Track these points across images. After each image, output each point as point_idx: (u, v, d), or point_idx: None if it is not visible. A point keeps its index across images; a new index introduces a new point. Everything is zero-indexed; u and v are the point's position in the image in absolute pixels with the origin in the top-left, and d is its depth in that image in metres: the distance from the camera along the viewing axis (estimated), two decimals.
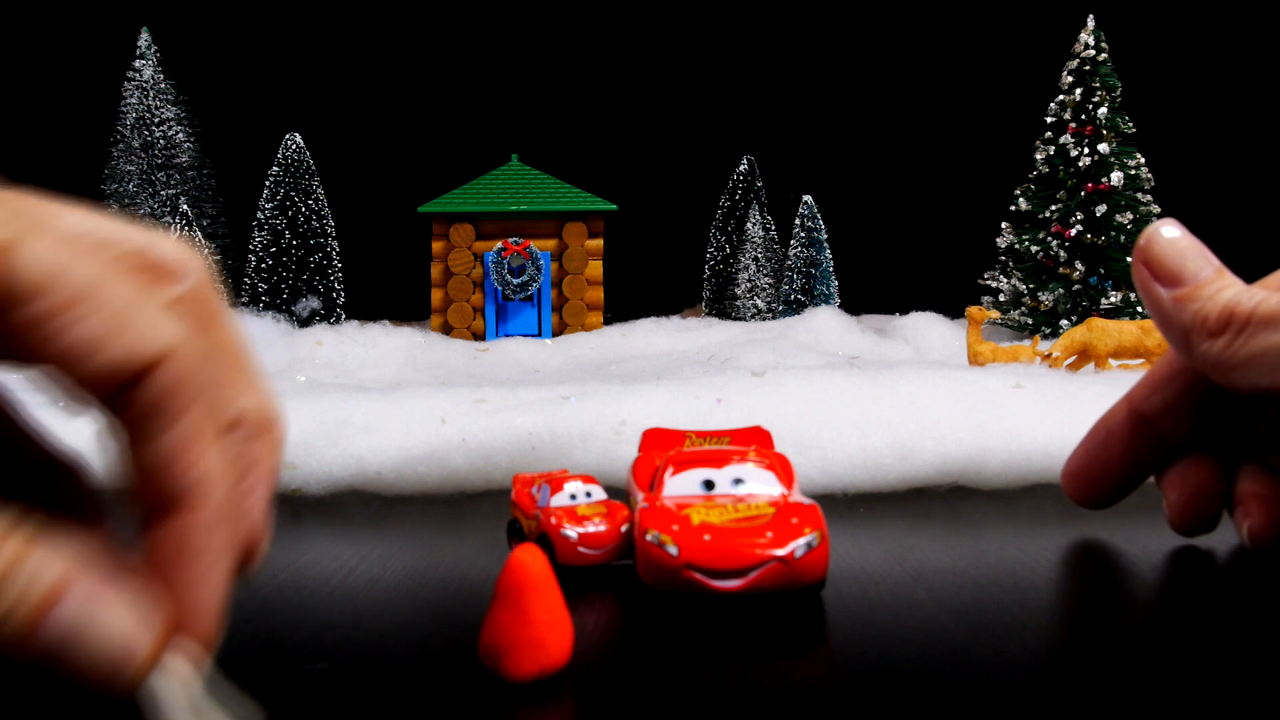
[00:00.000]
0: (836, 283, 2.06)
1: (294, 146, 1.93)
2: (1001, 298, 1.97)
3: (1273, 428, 0.47)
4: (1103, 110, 1.89)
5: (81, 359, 0.25)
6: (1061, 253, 1.87)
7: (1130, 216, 1.85)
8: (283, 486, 0.68)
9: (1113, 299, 1.83)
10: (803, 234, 2.05)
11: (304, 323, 1.84)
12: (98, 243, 0.27)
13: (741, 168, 2.22)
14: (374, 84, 2.30)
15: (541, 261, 1.99)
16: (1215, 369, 0.41)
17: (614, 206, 2.04)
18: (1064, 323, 1.83)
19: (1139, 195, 1.89)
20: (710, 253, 2.23)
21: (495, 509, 0.62)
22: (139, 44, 2.08)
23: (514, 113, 2.34)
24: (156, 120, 2.08)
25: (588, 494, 0.49)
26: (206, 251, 1.83)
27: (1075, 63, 1.93)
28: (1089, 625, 0.40)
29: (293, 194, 1.91)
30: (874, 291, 2.11)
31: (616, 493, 0.52)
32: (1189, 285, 0.42)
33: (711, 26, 2.36)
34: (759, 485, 0.45)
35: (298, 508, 0.66)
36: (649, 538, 0.42)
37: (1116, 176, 1.86)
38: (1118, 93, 1.92)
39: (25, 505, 0.25)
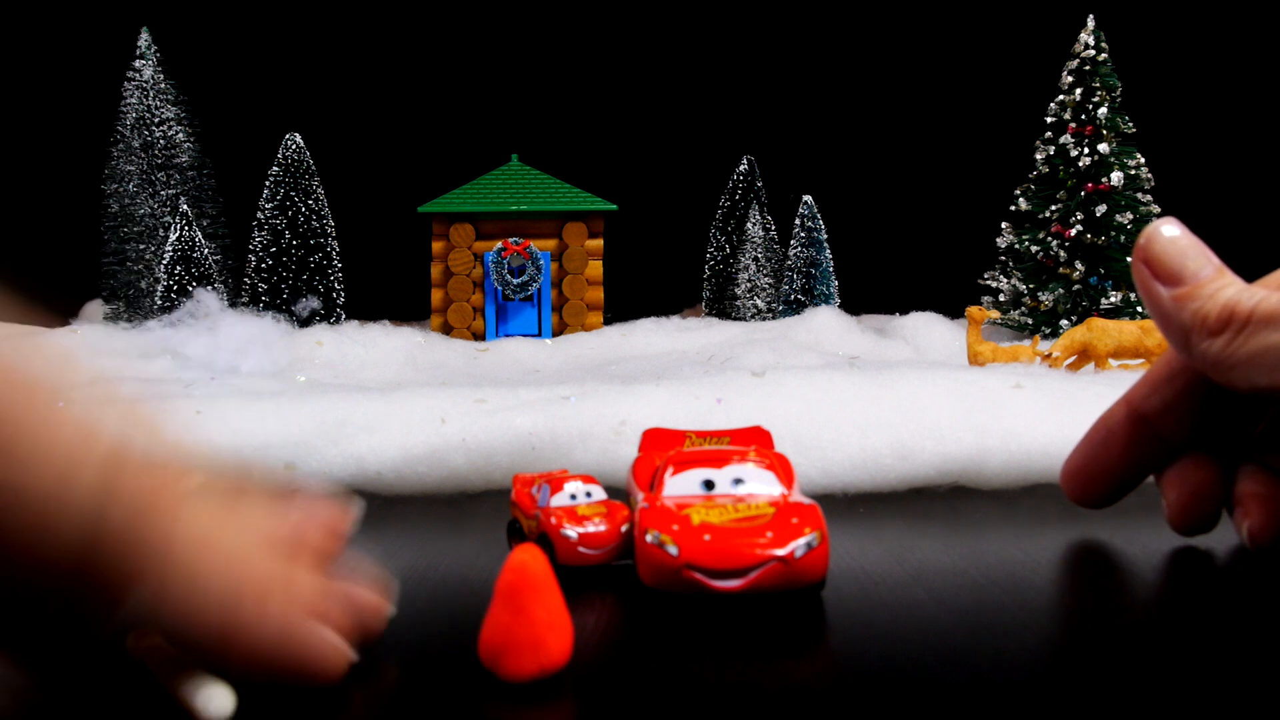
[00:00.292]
0: (836, 283, 2.06)
1: (294, 146, 1.93)
2: (1001, 298, 1.97)
3: (1272, 427, 0.47)
4: (1103, 110, 1.89)
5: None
6: (1061, 253, 1.87)
7: (1130, 216, 1.85)
8: (282, 486, 0.68)
9: (1113, 299, 1.83)
10: (803, 234, 2.05)
11: (304, 323, 1.84)
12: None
13: (741, 168, 2.22)
14: (374, 84, 2.30)
15: (541, 261, 1.99)
16: (1215, 368, 0.41)
17: (614, 206, 2.04)
18: (1064, 323, 1.83)
19: (1139, 195, 1.89)
20: (710, 253, 2.23)
21: (495, 509, 0.62)
22: (139, 44, 2.08)
23: (514, 113, 2.34)
24: (156, 120, 2.08)
25: (588, 494, 0.49)
26: (207, 251, 1.83)
27: (1075, 63, 1.93)
28: (1089, 625, 0.40)
29: (293, 194, 1.91)
30: (874, 291, 2.11)
31: (616, 493, 0.52)
32: (1189, 284, 0.42)
33: (711, 26, 2.36)
34: (759, 485, 0.45)
35: None
36: (649, 538, 0.42)
37: (1116, 176, 1.86)
38: (1118, 93, 1.92)
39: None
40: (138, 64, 2.08)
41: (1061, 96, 1.95)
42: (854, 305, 2.04)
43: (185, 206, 1.85)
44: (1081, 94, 1.92)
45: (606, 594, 0.44)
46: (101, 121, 2.10)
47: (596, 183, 2.08)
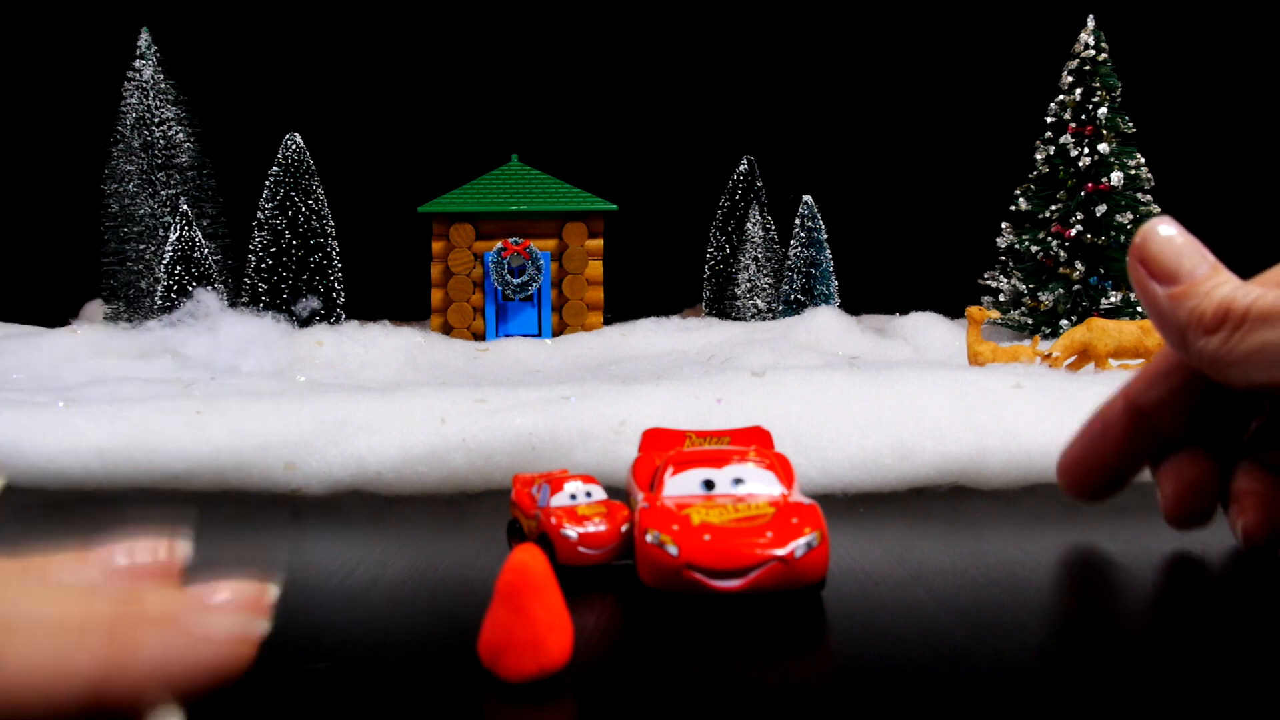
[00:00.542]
0: (836, 283, 2.06)
1: (294, 146, 1.93)
2: (1001, 298, 1.97)
3: (1269, 424, 0.47)
4: (1103, 110, 1.89)
5: None
6: (1061, 253, 1.87)
7: (1130, 216, 1.85)
8: (283, 486, 0.69)
9: (1113, 299, 1.83)
10: (803, 234, 2.05)
11: (304, 323, 1.84)
12: None
13: (741, 168, 2.22)
14: (374, 84, 2.30)
15: (541, 261, 1.99)
16: (1212, 365, 0.41)
17: (614, 206, 2.04)
18: (1064, 323, 1.83)
19: (1139, 195, 1.89)
20: (710, 253, 2.22)
21: (495, 509, 0.62)
22: (139, 44, 2.08)
23: (514, 113, 2.34)
24: (156, 120, 2.08)
25: (588, 494, 0.49)
26: (207, 251, 1.83)
27: (1075, 63, 1.93)
28: (1088, 626, 0.40)
29: (293, 194, 1.91)
30: (874, 291, 2.11)
31: (616, 493, 0.52)
32: (1184, 283, 0.42)
33: (711, 26, 2.36)
34: (759, 485, 0.45)
35: (298, 508, 0.66)
36: (649, 538, 0.42)
37: (1116, 176, 1.86)
38: (1118, 93, 1.92)
39: None
40: (138, 64, 2.08)
41: (1061, 96, 1.95)
42: (854, 305, 2.04)
43: (185, 206, 1.85)
44: (1081, 94, 1.92)
45: (606, 594, 0.44)
46: (101, 121, 2.10)
47: (596, 183, 2.08)
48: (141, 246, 2.07)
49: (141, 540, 0.31)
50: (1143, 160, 1.91)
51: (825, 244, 2.05)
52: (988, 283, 2.02)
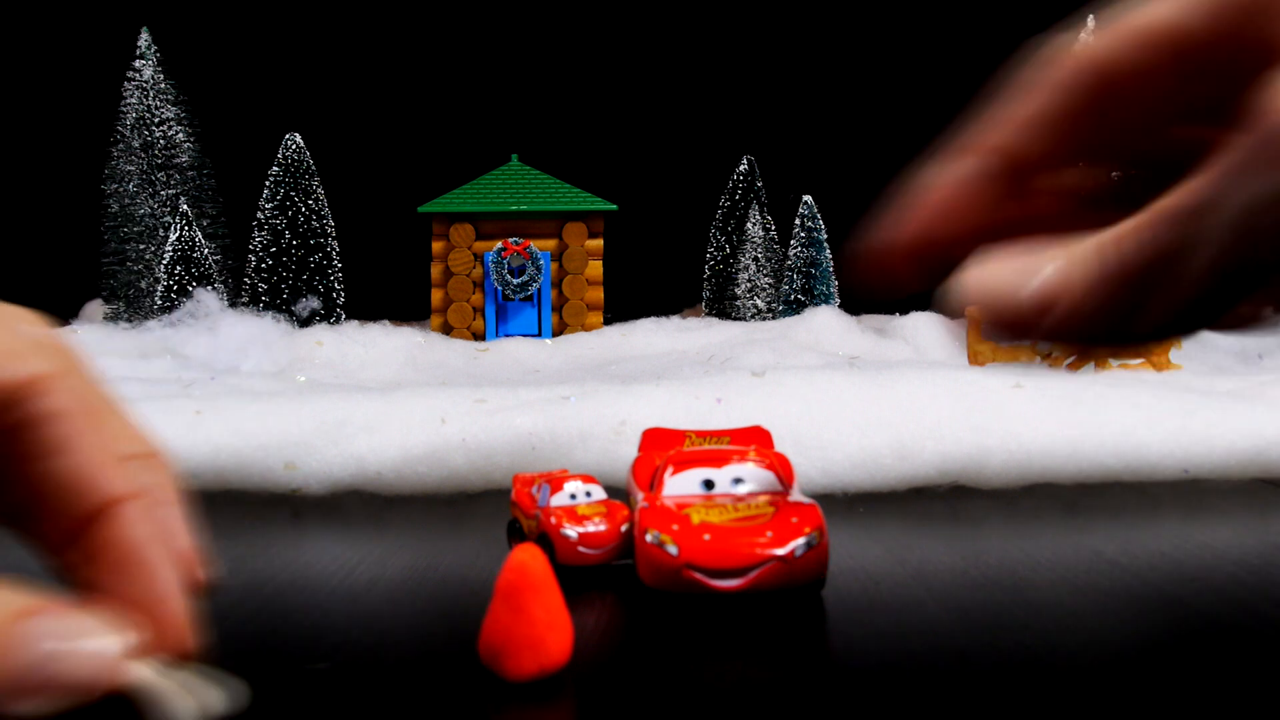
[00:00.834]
0: (837, 283, 2.06)
1: (294, 146, 1.93)
2: None
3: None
4: None
5: None
6: None
7: None
8: (283, 486, 0.68)
9: None
10: (803, 234, 2.05)
11: (304, 323, 1.84)
12: None
13: (741, 168, 2.22)
14: (374, 84, 2.30)
15: (541, 261, 1.99)
16: None
17: (614, 206, 2.04)
18: None
19: None
20: (710, 253, 2.22)
21: (495, 509, 0.62)
22: (139, 44, 2.08)
23: (514, 113, 2.34)
24: (156, 120, 2.08)
25: (588, 494, 0.49)
26: (207, 251, 1.83)
27: None
28: (1088, 625, 0.40)
29: (293, 194, 1.91)
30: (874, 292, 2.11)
31: (616, 493, 0.52)
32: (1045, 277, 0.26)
33: (711, 26, 2.36)
34: (759, 485, 0.45)
35: (298, 508, 0.66)
36: (649, 538, 0.42)
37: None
38: None
39: None
40: (138, 64, 2.08)
41: None
42: (854, 305, 2.04)
43: (185, 206, 1.85)
44: None
45: (606, 594, 0.44)
46: (101, 121, 2.10)
47: (596, 183, 2.08)
48: (141, 246, 2.07)
49: None
50: None
51: (825, 244, 2.05)
52: None
